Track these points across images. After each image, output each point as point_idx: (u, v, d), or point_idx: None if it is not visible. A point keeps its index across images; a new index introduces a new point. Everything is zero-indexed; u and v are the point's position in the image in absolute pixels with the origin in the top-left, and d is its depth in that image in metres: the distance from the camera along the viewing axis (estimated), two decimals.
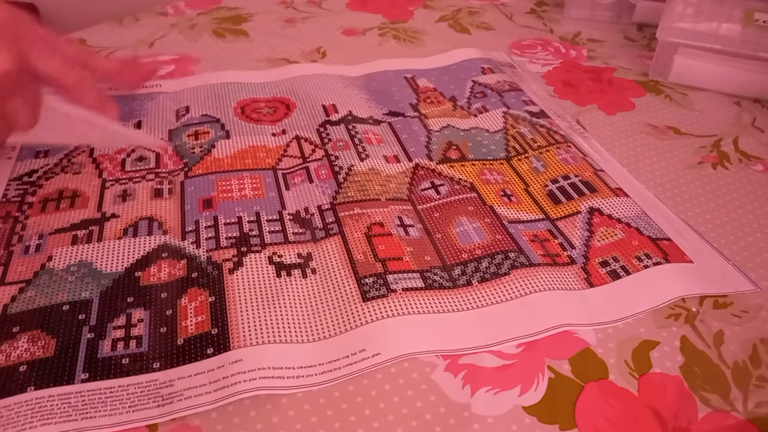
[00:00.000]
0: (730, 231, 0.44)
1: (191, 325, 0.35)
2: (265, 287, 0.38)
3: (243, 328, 0.35)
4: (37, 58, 0.31)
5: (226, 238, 0.41)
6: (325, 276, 0.39)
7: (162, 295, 0.37)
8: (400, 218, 0.43)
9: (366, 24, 0.73)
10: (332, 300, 0.37)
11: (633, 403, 0.33)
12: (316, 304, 0.37)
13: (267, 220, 0.43)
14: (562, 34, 0.72)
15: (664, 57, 0.61)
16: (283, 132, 0.52)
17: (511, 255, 0.40)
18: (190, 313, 0.36)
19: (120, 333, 0.35)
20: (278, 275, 0.39)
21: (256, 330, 0.35)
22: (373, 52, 0.67)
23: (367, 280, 0.38)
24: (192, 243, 0.41)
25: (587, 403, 0.33)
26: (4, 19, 0.30)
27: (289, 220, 0.43)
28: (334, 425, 0.32)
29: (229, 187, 0.45)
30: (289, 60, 0.64)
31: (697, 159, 0.51)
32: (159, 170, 0.47)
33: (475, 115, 0.55)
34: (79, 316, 0.36)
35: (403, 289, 0.37)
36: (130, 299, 0.37)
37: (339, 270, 0.39)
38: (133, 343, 0.35)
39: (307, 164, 0.48)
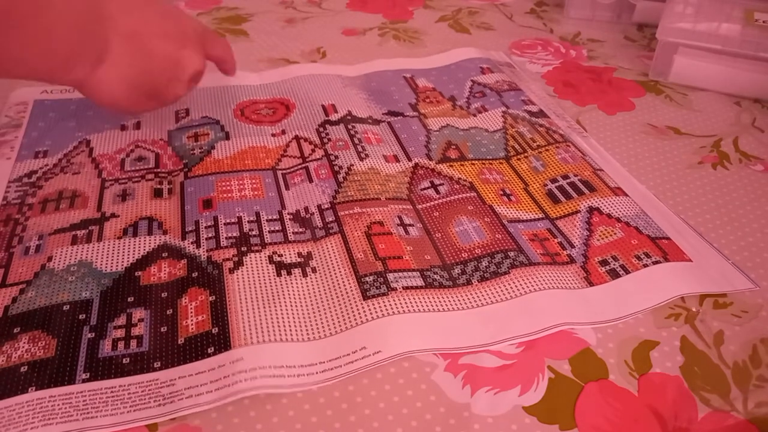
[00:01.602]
0: (730, 231, 0.44)
1: (192, 324, 0.36)
2: (265, 286, 0.38)
3: (243, 327, 0.35)
4: (210, 48, 0.47)
5: (226, 238, 0.41)
6: (325, 275, 0.39)
7: (162, 295, 0.37)
8: (399, 217, 0.43)
9: (366, 24, 0.73)
10: (332, 298, 0.37)
11: (633, 403, 0.33)
12: (317, 303, 0.37)
13: (267, 220, 0.43)
14: (562, 34, 0.72)
15: (664, 57, 0.61)
16: (283, 132, 0.52)
17: (511, 254, 0.40)
18: (191, 312, 0.36)
19: (120, 333, 0.35)
20: (278, 274, 0.39)
21: (256, 329, 0.35)
22: (373, 52, 0.67)
23: (367, 278, 0.38)
24: (192, 243, 0.41)
25: (587, 403, 0.33)
26: (197, 29, 0.45)
27: (289, 219, 0.43)
28: (334, 425, 0.32)
29: (228, 188, 0.45)
30: (289, 60, 0.64)
31: (697, 159, 0.51)
32: (158, 170, 0.47)
33: (475, 115, 0.55)
34: (80, 316, 0.36)
35: (403, 287, 0.37)
36: (130, 299, 0.37)
37: (339, 269, 0.39)
38: (133, 343, 0.35)
39: (307, 164, 0.48)
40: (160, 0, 0.44)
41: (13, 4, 0.32)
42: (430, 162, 0.49)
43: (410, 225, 0.42)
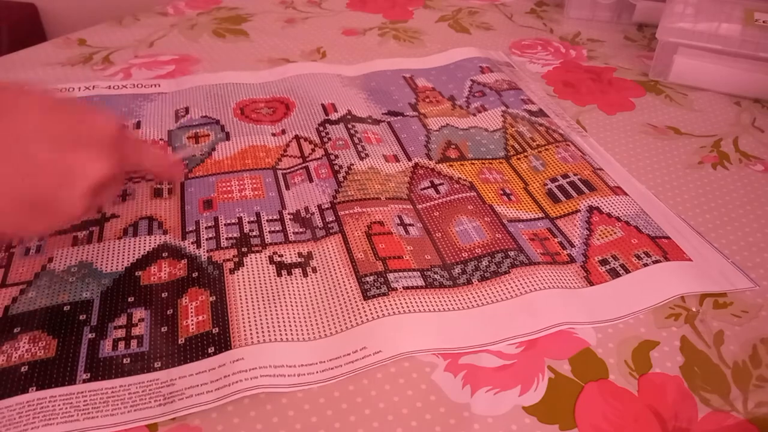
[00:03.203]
0: (730, 231, 0.44)
1: (192, 324, 0.36)
2: (265, 286, 0.38)
3: (244, 326, 0.35)
4: (134, 156, 0.39)
5: (226, 239, 0.41)
6: (325, 275, 0.39)
7: (162, 295, 0.37)
8: (399, 217, 0.43)
9: (366, 24, 0.73)
10: (333, 298, 0.37)
11: (633, 403, 0.33)
12: (317, 303, 0.37)
13: (267, 220, 0.43)
14: (562, 34, 0.72)
15: (664, 57, 0.61)
16: (283, 132, 0.52)
17: (511, 254, 0.40)
18: (191, 312, 0.36)
19: (121, 333, 0.35)
20: (279, 274, 0.39)
21: (257, 329, 0.35)
22: (373, 52, 0.67)
23: (367, 278, 0.38)
24: (192, 243, 0.41)
25: (587, 403, 0.33)
26: (107, 130, 0.36)
27: (290, 219, 0.43)
28: (334, 425, 0.32)
29: (229, 188, 0.45)
30: (289, 60, 0.64)
31: (697, 159, 0.51)
32: None
33: (474, 115, 0.55)
34: (80, 317, 0.36)
35: (403, 287, 0.37)
36: (130, 299, 0.37)
37: (339, 269, 0.39)
38: (134, 343, 0.35)
39: (307, 164, 0.48)
40: (60, 97, 0.37)
41: None
42: (430, 162, 0.49)
43: (410, 225, 0.42)
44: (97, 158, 0.35)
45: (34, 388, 0.32)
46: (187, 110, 0.55)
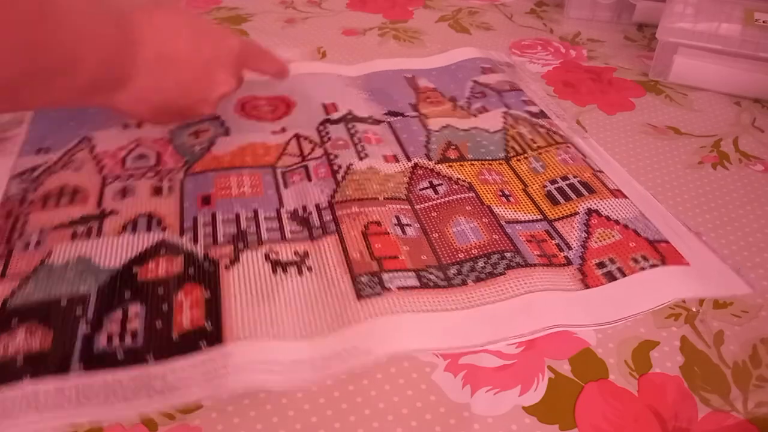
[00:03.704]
0: (730, 231, 0.44)
1: (186, 319, 0.35)
2: (260, 283, 0.38)
3: (237, 322, 0.35)
4: (254, 63, 0.48)
5: (223, 235, 0.41)
6: (320, 274, 0.39)
7: (158, 291, 0.37)
8: (397, 217, 0.43)
9: (366, 24, 0.73)
10: (327, 298, 0.37)
11: (633, 403, 0.33)
12: (311, 302, 0.37)
13: (265, 218, 0.43)
14: (562, 34, 0.72)
15: (664, 57, 0.61)
16: (283, 130, 0.52)
17: (507, 255, 0.40)
18: (185, 307, 0.36)
19: (116, 327, 0.35)
20: (274, 272, 0.39)
21: (249, 325, 0.35)
22: (373, 52, 0.67)
23: (362, 278, 0.38)
24: (190, 239, 0.41)
25: (587, 403, 0.33)
26: (234, 49, 0.44)
27: (287, 218, 0.43)
28: (334, 425, 0.32)
29: (228, 185, 0.45)
30: (289, 60, 0.64)
31: (697, 159, 0.51)
32: (159, 168, 0.47)
33: (475, 115, 0.55)
34: (77, 311, 0.36)
35: (397, 287, 0.37)
36: (126, 294, 0.37)
37: (335, 268, 0.39)
38: (128, 337, 0.35)
39: (307, 163, 0.48)
40: (198, 19, 0.44)
41: (45, 47, 0.31)
42: (430, 162, 0.49)
43: (407, 225, 0.42)
44: (228, 76, 0.44)
45: (29, 380, 0.32)
46: None
